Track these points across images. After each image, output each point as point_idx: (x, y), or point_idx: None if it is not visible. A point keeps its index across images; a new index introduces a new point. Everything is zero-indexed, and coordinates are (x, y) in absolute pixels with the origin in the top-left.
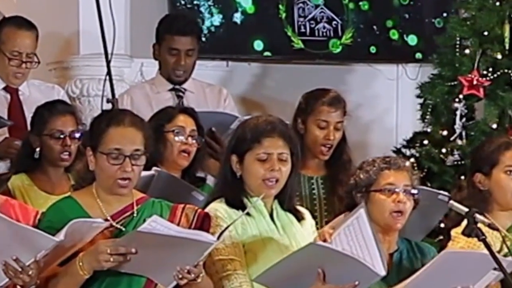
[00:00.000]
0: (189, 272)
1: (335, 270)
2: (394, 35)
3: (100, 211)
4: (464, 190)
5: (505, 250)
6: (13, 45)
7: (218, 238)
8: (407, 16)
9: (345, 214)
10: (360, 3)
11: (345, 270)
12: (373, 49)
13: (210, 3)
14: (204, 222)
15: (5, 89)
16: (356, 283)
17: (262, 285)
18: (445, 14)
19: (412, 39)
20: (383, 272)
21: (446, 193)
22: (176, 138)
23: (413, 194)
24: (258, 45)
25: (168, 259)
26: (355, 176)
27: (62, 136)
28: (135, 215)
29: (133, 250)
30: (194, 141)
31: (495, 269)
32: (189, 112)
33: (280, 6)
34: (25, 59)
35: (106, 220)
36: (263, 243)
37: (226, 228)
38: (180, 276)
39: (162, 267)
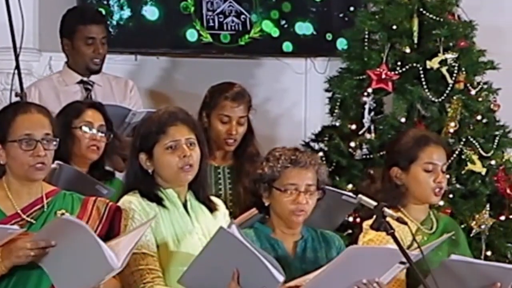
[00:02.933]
0: None
1: (247, 272)
2: (302, 28)
3: (11, 204)
4: (377, 181)
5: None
6: None
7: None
8: (315, 9)
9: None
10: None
11: (254, 274)
12: (281, 43)
13: None
14: (115, 216)
15: None
16: None
17: (184, 287)
18: (352, 8)
19: (320, 33)
20: (281, 278)
21: (350, 193)
22: (85, 134)
23: (315, 193)
24: (167, 39)
25: (70, 259)
26: (261, 167)
27: None
28: (45, 208)
29: (53, 243)
30: (102, 135)
31: (401, 262)
32: (97, 106)
33: (189, 1)
34: None
35: (17, 213)
36: (177, 236)
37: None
38: None
39: (63, 267)
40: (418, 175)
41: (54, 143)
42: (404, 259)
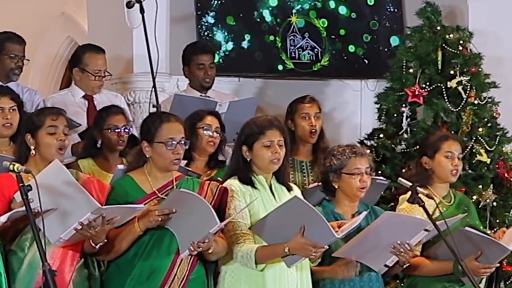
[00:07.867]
0: (199, 247)
1: (309, 228)
2: (358, 59)
3: (149, 185)
4: (413, 169)
5: (437, 213)
6: (96, 65)
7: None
8: (366, 46)
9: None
10: (335, 38)
11: (315, 230)
12: (343, 69)
13: (225, 33)
14: (224, 195)
15: (84, 97)
16: (326, 247)
17: (256, 235)
18: (394, 44)
19: (372, 62)
20: (339, 235)
21: (381, 178)
22: (205, 133)
23: (371, 174)
24: (261, 66)
25: (189, 226)
26: (329, 160)
27: (117, 129)
28: (174, 188)
29: (174, 210)
30: (218, 135)
31: (425, 230)
32: (215, 113)
33: (277, 38)
34: (104, 75)
35: (154, 192)
36: (265, 209)
37: (229, 219)
38: (192, 249)
39: (184, 233)
40: (441, 161)
41: (187, 143)
42: (428, 227)
